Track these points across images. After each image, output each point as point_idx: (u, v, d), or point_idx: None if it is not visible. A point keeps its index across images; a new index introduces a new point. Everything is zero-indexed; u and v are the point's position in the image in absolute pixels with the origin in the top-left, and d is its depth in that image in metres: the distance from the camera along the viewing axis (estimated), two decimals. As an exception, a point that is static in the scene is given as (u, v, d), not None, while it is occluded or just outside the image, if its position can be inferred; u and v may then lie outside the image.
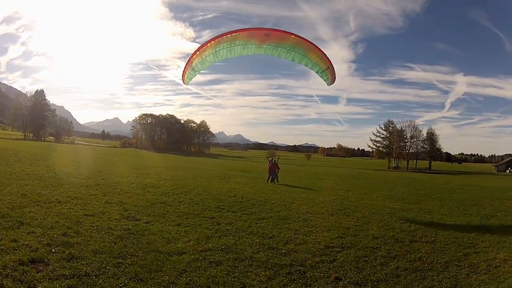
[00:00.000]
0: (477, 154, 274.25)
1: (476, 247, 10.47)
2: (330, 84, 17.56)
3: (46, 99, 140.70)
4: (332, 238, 10.52)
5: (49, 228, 8.79)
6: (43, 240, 7.77)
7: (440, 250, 10.01)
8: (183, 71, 16.55)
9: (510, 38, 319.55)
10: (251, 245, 9.26)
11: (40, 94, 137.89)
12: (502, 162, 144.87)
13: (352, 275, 7.59)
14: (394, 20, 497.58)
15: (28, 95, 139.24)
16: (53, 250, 7.24)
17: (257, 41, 15.62)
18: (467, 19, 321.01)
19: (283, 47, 16.14)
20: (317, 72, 16.98)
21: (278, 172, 28.97)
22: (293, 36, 15.56)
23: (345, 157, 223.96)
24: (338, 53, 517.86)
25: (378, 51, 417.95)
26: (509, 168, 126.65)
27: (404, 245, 10.32)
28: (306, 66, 16.92)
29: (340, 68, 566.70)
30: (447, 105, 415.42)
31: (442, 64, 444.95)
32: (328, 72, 16.72)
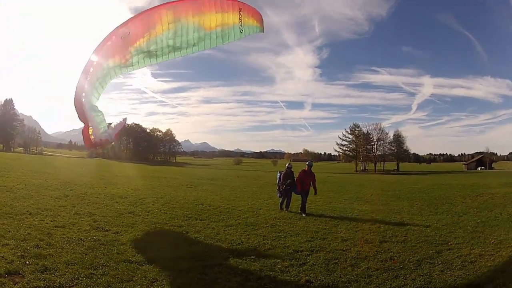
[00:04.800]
0: (446, 153, 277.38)
1: (449, 244, 10.67)
2: (263, 29, 11.90)
3: (15, 109, 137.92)
4: (301, 242, 10.62)
5: (22, 240, 8.70)
6: (17, 252, 7.71)
7: (412, 249, 10.15)
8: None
9: (480, 39, 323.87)
10: (220, 252, 9.34)
11: (9, 103, 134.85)
12: (473, 160, 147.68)
13: (323, 277, 7.70)
14: (359, 25, 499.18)
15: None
16: (27, 262, 7.20)
17: (118, 58, 10.28)
18: (435, 22, 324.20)
19: (161, 42, 10.46)
20: (238, 33, 11.16)
21: (315, 191, 17.30)
22: (164, 11, 9.80)
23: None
24: (303, 59, 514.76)
25: (343, 56, 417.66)
26: (480, 167, 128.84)
27: (374, 246, 10.44)
28: (219, 43, 11.18)
29: (305, 74, 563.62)
30: (414, 107, 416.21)
31: (408, 67, 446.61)
32: (246, 18, 11.02)
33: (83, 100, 10.34)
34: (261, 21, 11.70)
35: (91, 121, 11.24)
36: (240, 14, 10.77)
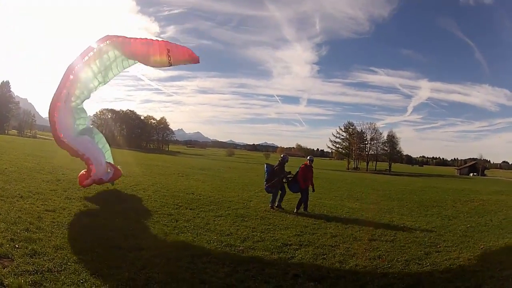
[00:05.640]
0: (439, 157, 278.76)
1: (438, 246, 10.69)
2: (197, 61, 13.58)
3: (11, 91, 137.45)
4: (290, 236, 10.65)
5: (12, 223, 8.67)
6: (7, 236, 7.69)
7: (400, 248, 10.18)
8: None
9: (480, 47, 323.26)
10: (209, 242, 9.34)
11: (5, 85, 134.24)
12: (465, 165, 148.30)
13: (311, 272, 7.70)
14: (360, 24, 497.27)
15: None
16: (17, 246, 7.18)
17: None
18: (436, 27, 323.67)
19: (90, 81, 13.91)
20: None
21: (313, 189, 15.86)
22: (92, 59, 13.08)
23: (304, 157, 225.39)
24: (301, 55, 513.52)
25: (342, 54, 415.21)
26: (473, 172, 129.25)
27: (363, 244, 10.48)
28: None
29: (302, 69, 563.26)
30: (410, 109, 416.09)
31: (406, 70, 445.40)
32: (175, 59, 12.97)
33: (63, 136, 13.30)
34: (190, 58, 13.34)
35: (95, 154, 14.13)
36: (169, 56, 12.69)
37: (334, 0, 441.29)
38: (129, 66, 14.58)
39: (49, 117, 12.97)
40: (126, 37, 12.96)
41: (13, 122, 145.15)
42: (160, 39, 12.78)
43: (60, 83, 12.94)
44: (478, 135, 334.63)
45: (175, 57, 12.82)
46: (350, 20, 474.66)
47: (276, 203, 15.47)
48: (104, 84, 14.84)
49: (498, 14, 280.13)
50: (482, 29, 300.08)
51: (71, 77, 12.77)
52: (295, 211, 14.75)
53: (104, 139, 16.37)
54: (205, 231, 10.40)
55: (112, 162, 15.78)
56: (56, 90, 12.96)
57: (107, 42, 12.96)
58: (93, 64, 13.35)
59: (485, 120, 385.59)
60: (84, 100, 14.71)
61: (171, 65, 13.04)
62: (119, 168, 16.09)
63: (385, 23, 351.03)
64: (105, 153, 15.35)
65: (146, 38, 12.84)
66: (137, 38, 12.81)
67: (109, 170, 14.76)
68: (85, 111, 15.33)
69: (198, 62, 13.58)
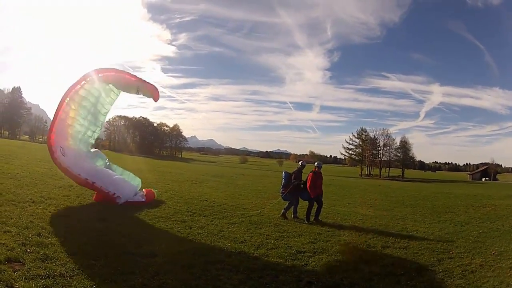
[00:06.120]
0: (452, 162, 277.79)
1: (450, 252, 10.58)
2: (156, 100, 14.94)
3: (22, 97, 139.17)
4: (304, 243, 10.56)
5: (24, 227, 8.69)
6: (18, 240, 7.69)
7: (413, 255, 10.09)
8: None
9: (490, 50, 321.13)
10: (223, 249, 9.29)
11: (17, 91, 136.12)
12: (477, 170, 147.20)
13: (325, 279, 7.63)
14: (371, 29, 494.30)
15: (6, 92, 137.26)
16: (28, 250, 7.18)
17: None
18: (446, 30, 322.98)
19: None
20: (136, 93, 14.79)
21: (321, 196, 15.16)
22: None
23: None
24: (313, 61, 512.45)
25: (354, 60, 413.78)
26: (485, 177, 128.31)
27: (377, 251, 10.42)
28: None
29: (314, 76, 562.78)
30: (422, 115, 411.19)
31: (418, 74, 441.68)
32: (144, 91, 14.41)
33: (81, 174, 13.13)
34: (155, 95, 14.58)
35: (120, 185, 14.08)
36: (138, 90, 14.22)
37: (345, 5, 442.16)
38: (114, 101, 15.51)
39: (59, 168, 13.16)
40: (102, 69, 13.60)
41: (25, 128, 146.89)
42: (136, 77, 14.14)
43: (47, 141, 13.23)
44: (490, 139, 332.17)
45: (143, 91, 14.33)
46: (362, 25, 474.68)
47: (292, 214, 14.77)
48: (100, 128, 15.95)
49: (506, 15, 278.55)
50: (491, 31, 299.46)
51: (53, 137, 12.84)
52: (306, 222, 14.06)
53: (131, 174, 16.57)
54: (219, 238, 10.37)
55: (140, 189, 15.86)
56: (48, 148, 13.04)
57: (82, 83, 13.27)
58: (78, 116, 13.91)
59: (496, 123, 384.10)
60: (89, 147, 15.46)
61: (137, 94, 14.52)
62: (154, 191, 16.12)
63: (396, 27, 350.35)
64: (134, 184, 15.51)
65: (126, 74, 14.03)
66: (116, 72, 13.86)
67: (139, 194, 14.92)
68: (100, 152, 16.16)
69: (156, 101, 14.98)
